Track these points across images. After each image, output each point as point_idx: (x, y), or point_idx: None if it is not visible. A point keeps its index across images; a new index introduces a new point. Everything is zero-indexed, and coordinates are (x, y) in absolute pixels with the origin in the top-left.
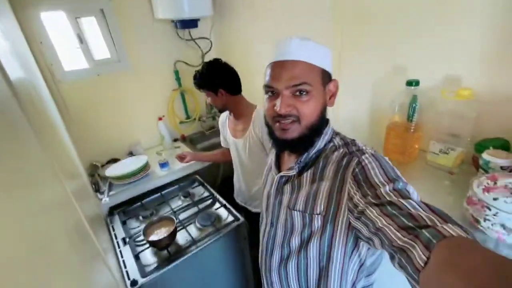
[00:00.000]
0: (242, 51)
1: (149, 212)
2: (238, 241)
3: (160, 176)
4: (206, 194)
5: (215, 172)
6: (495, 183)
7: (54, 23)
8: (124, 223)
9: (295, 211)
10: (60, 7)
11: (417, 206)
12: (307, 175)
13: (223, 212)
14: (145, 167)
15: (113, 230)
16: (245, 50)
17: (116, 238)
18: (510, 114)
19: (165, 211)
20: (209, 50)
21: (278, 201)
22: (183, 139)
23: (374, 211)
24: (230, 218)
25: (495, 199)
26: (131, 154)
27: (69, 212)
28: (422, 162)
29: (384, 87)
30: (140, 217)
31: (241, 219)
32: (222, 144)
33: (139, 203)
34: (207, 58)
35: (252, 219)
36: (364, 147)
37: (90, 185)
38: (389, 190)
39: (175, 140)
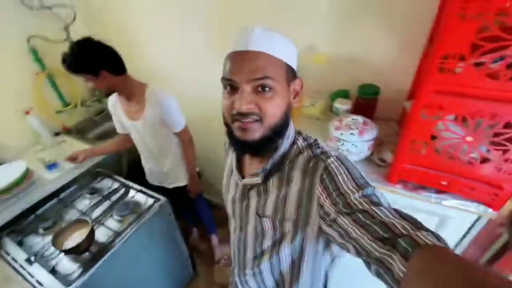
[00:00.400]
0: (116, 21)
1: (51, 222)
2: (164, 219)
3: (51, 180)
4: (116, 185)
5: (118, 160)
6: (341, 123)
7: None
8: (20, 243)
9: (264, 218)
10: None
11: (389, 213)
12: (273, 180)
13: (141, 197)
14: (27, 174)
15: (8, 254)
16: (120, 19)
17: (16, 261)
18: (348, 70)
19: (72, 215)
20: (74, 20)
21: (245, 206)
22: (67, 131)
23: (346, 220)
24: (150, 201)
25: (341, 134)
26: None
27: None
28: (304, 116)
29: None
30: (40, 230)
31: (162, 198)
32: (118, 131)
33: (32, 216)
34: (73, 31)
35: (171, 195)
36: (328, 149)
37: None
38: (359, 197)
39: (57, 134)
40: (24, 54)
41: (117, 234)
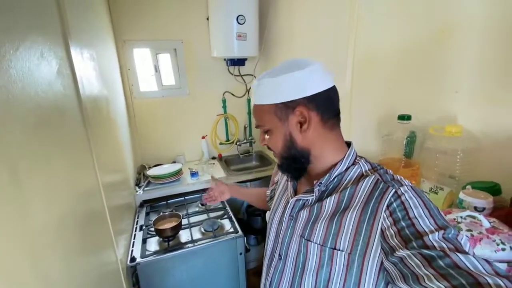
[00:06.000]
0: None
1: (169, 210)
2: (233, 253)
3: (189, 183)
4: (220, 206)
5: (241, 200)
6: (445, 216)
7: (140, 55)
8: (147, 214)
9: (311, 243)
10: (148, 46)
11: (478, 264)
12: (330, 202)
13: (227, 224)
14: (178, 173)
15: (137, 218)
16: None
17: (137, 224)
18: (501, 156)
19: (182, 212)
20: None
21: (291, 229)
22: (220, 158)
23: (420, 264)
24: (231, 230)
25: None
26: (174, 162)
27: (96, 200)
28: None
29: (374, 122)
30: (161, 213)
31: (240, 232)
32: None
33: (164, 202)
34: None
35: None
36: (399, 177)
37: (133, 180)
38: (439, 239)
39: (213, 158)
40: (219, 101)
41: (193, 241)
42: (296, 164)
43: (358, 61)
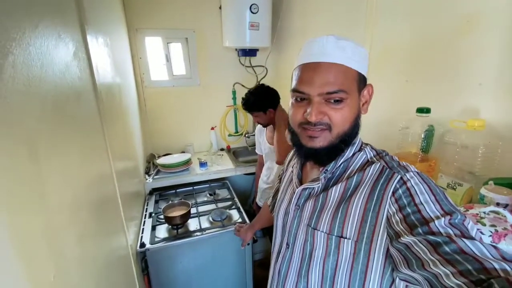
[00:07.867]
0: (288, 77)
1: (178, 199)
2: (241, 243)
3: (197, 173)
4: (229, 196)
5: (248, 191)
6: (467, 210)
7: (152, 44)
8: (156, 202)
9: (318, 231)
10: (159, 35)
11: (484, 249)
12: (336, 190)
13: (235, 214)
14: (187, 162)
15: (147, 205)
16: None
17: (146, 211)
18: None
19: (190, 201)
20: (264, 76)
21: (297, 218)
22: (228, 149)
23: (426, 249)
24: (239, 220)
25: None
26: (183, 152)
27: (109, 186)
28: None
29: (390, 115)
30: (170, 201)
31: (248, 222)
32: (256, 150)
33: (173, 191)
34: (262, 82)
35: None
36: (405, 163)
37: (143, 168)
38: (445, 224)
39: (221, 149)
40: (229, 92)
41: (201, 230)
42: (344, 145)
43: (374, 53)
